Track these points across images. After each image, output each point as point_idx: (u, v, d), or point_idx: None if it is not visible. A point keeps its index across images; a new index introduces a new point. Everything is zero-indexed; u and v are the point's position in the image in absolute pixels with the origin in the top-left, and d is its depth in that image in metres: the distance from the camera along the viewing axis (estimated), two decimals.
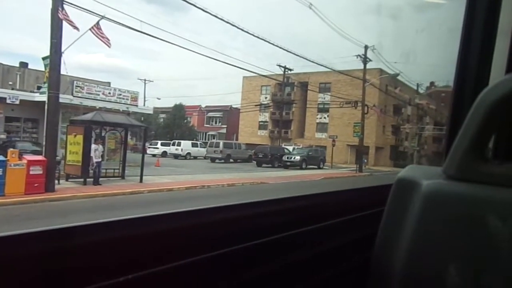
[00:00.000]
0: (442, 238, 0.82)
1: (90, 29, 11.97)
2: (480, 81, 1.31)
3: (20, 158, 11.35)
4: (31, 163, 11.16)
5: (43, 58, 13.04)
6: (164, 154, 34.79)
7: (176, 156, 33.84)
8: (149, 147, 36.46)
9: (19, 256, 0.55)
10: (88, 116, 14.54)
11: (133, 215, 0.69)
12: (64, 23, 11.39)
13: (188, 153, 34.56)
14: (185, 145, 35.24)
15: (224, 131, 53.41)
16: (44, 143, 12.83)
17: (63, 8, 10.82)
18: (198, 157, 34.31)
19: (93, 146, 13.86)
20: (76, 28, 11.18)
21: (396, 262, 0.87)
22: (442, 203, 0.82)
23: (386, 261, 0.91)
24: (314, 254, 1.05)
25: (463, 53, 1.34)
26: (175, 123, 48.53)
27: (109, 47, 12.34)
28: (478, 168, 0.79)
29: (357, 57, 30.11)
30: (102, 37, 12.04)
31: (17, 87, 25.34)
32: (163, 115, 51.60)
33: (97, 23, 12.05)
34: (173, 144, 35.78)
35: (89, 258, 0.62)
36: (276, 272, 0.94)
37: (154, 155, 32.63)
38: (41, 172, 11.26)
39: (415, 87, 45.85)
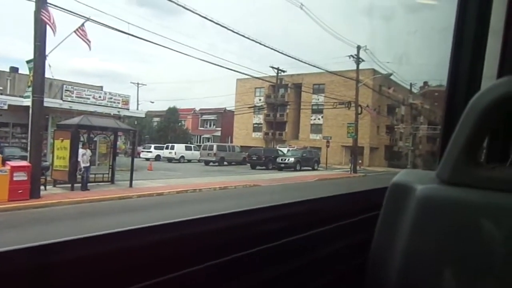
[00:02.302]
0: (436, 242, 0.83)
1: (74, 31, 11.76)
2: (472, 82, 1.33)
3: (4, 164, 11.06)
4: (14, 169, 10.89)
5: (27, 62, 12.80)
6: (157, 158, 34.51)
7: (169, 160, 33.57)
8: (142, 151, 36.18)
9: (14, 271, 0.56)
10: (75, 120, 14.26)
11: (134, 226, 0.69)
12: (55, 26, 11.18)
13: (182, 157, 34.29)
14: (179, 149, 34.98)
15: (218, 133, 53.16)
16: (29, 148, 12.54)
17: (45, 10, 10.55)
18: (192, 161, 34.07)
19: (80, 151, 13.59)
20: (53, 29, 10.87)
21: (391, 266, 0.87)
22: (436, 208, 0.83)
23: (381, 266, 0.91)
24: (310, 260, 1.06)
25: (456, 54, 1.35)
26: (169, 126, 48.22)
27: (89, 49, 12.14)
28: (471, 173, 0.80)
29: (349, 58, 30.06)
30: (87, 39, 11.83)
31: (8, 92, 24.98)
32: (157, 119, 51.27)
33: (82, 25, 11.85)
34: (167, 148, 35.49)
35: (88, 271, 0.62)
36: (272, 279, 0.95)
37: (147, 159, 32.35)
38: (25, 178, 10.97)
39: (408, 87, 45.87)
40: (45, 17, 10.38)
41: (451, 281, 0.81)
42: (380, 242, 0.94)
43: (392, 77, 35.73)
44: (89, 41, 12.05)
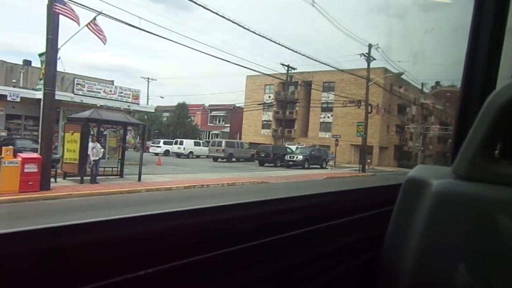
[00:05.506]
0: (452, 237, 0.82)
1: (86, 25, 11.81)
2: (488, 81, 1.32)
3: (15, 155, 11.20)
4: (25, 160, 11.01)
5: (40, 55, 12.92)
6: (166, 153, 34.71)
7: (178, 155, 33.73)
8: (151, 146, 36.41)
9: (19, 254, 0.56)
10: (86, 113, 14.37)
11: (139, 213, 0.68)
12: (66, 20, 11.28)
13: (191, 152, 34.43)
14: (188, 144, 35.11)
15: (227, 130, 53.24)
16: (39, 140, 12.68)
17: (60, 2, 10.62)
18: (200, 156, 34.18)
19: (90, 144, 13.70)
20: (75, 20, 10.96)
21: (405, 260, 0.88)
22: (451, 203, 0.83)
23: (395, 260, 0.91)
24: (323, 252, 1.06)
25: (471, 53, 1.33)
26: (178, 122, 48.42)
27: (104, 43, 12.16)
28: (487, 168, 0.80)
29: (361, 56, 29.80)
30: (99, 33, 11.88)
31: (21, 85, 25.29)
32: (166, 114, 51.52)
33: (94, 19, 11.90)
34: (176, 143, 35.64)
35: (93, 256, 0.62)
36: (286, 270, 0.95)
37: (156, 154, 32.55)
38: (36, 170, 11.10)
39: (420, 87, 45.37)
40: (67, 11, 10.43)
41: (465, 276, 0.80)
42: (394, 236, 0.94)
43: (403, 76, 35.39)
44: (104, 36, 12.07)
